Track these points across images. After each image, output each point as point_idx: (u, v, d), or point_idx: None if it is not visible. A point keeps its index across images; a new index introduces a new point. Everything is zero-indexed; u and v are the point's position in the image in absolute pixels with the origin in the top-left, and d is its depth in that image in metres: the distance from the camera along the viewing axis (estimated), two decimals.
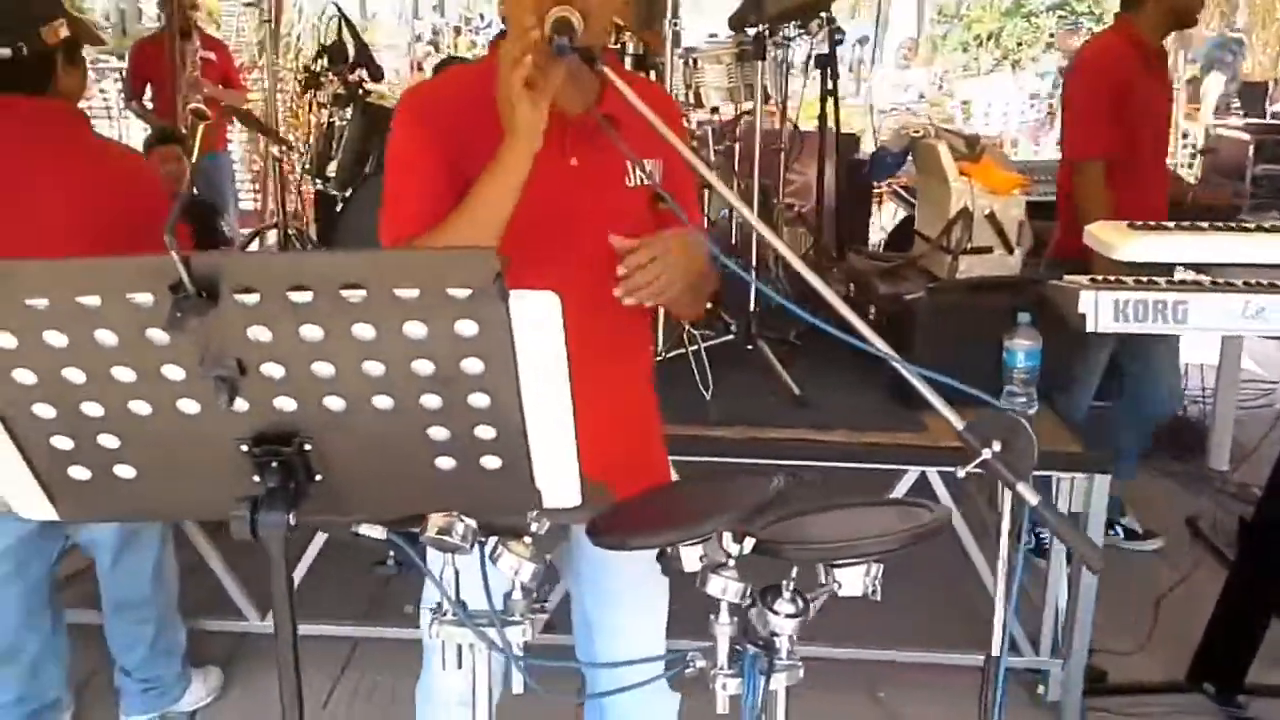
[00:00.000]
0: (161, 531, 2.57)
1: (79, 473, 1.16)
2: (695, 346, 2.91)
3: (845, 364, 3.33)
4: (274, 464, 1.11)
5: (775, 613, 1.41)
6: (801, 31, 3.43)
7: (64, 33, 2.08)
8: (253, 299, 1.00)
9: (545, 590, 1.45)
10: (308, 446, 1.12)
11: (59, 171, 2.08)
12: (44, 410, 1.09)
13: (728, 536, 1.39)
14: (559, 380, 1.08)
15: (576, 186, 1.68)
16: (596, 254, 1.63)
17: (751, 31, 2.95)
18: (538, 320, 1.02)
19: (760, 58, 3.03)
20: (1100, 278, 2.44)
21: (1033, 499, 1.25)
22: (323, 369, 1.06)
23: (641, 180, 1.74)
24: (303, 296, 1.00)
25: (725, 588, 1.39)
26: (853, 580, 1.43)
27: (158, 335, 1.03)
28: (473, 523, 1.31)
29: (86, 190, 2.07)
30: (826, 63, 3.55)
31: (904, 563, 3.44)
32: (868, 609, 3.23)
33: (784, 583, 1.41)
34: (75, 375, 1.06)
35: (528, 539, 1.35)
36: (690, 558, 1.44)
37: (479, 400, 1.09)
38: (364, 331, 1.03)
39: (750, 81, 3.04)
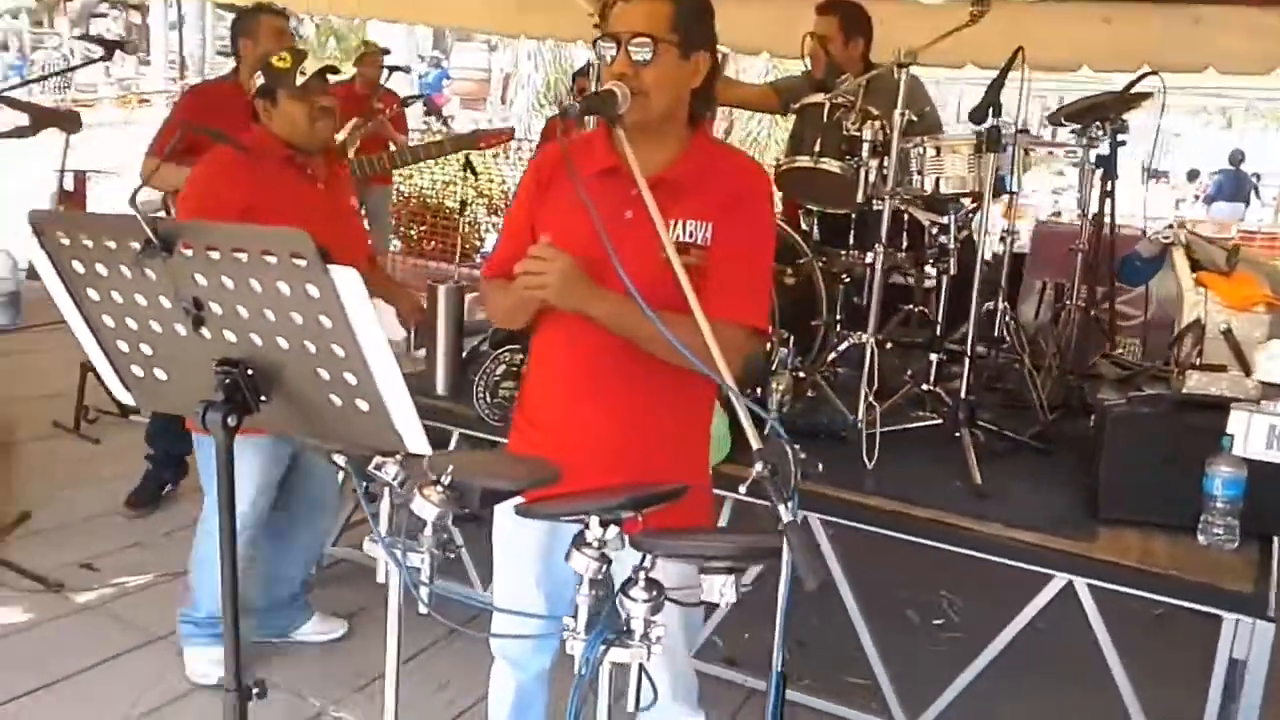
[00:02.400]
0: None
1: (137, 370, 1.69)
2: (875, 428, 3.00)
3: (1062, 470, 3.22)
4: (226, 380, 1.56)
5: (629, 598, 1.61)
6: (1079, 131, 3.36)
7: (257, 82, 2.86)
8: (190, 253, 1.46)
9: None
10: (250, 371, 1.56)
11: None
12: (108, 320, 1.64)
13: (594, 521, 1.63)
14: (382, 342, 1.42)
15: (627, 236, 1.93)
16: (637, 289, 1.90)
17: (987, 124, 3.02)
18: (352, 290, 1.39)
19: (995, 150, 3.07)
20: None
21: (786, 516, 1.37)
22: (243, 311, 1.50)
23: (677, 238, 1.98)
24: (215, 254, 1.45)
25: (586, 565, 1.62)
26: (711, 588, 1.59)
27: (151, 273, 1.52)
28: (396, 466, 1.68)
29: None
30: (1106, 164, 3.44)
31: (1051, 659, 3.31)
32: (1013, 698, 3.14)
33: (638, 573, 1.61)
34: (117, 296, 1.59)
35: (439, 488, 1.68)
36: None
37: (338, 350, 1.47)
38: (255, 285, 1.45)
39: (992, 172, 3.09)
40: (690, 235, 1.99)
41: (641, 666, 1.62)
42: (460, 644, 3.44)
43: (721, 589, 1.59)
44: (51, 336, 5.37)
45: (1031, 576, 2.74)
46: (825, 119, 3.29)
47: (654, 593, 1.61)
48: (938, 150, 3.22)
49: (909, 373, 3.44)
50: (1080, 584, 2.62)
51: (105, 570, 3.74)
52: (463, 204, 8.58)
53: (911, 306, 4.02)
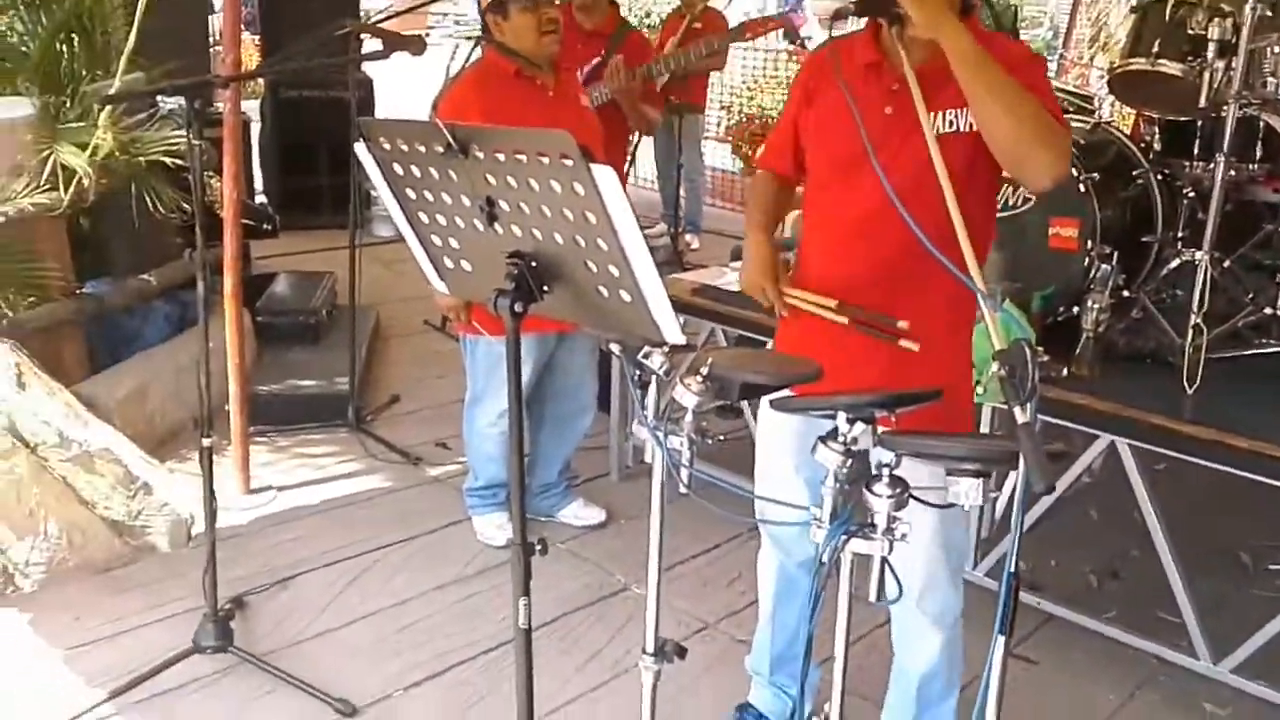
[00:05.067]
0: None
1: (449, 262, 1.92)
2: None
3: None
4: (515, 271, 1.75)
5: (872, 493, 1.66)
6: None
7: None
8: (481, 155, 1.65)
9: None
10: (534, 264, 1.73)
11: None
12: (424, 217, 1.87)
13: (842, 418, 1.68)
14: (639, 237, 1.54)
15: (886, 131, 1.99)
16: (897, 186, 1.88)
17: None
18: (612, 187, 1.51)
19: None
20: None
21: (1020, 417, 1.36)
22: (525, 208, 1.66)
23: (939, 130, 1.95)
24: (501, 156, 1.62)
25: (831, 460, 1.68)
26: (957, 491, 1.61)
27: (453, 174, 1.73)
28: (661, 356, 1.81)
29: None
30: None
31: None
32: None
33: (881, 469, 1.65)
34: (429, 195, 1.81)
35: (699, 378, 1.80)
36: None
37: (602, 244, 1.60)
38: (534, 184, 1.61)
39: None
40: (950, 125, 2.00)
41: (884, 560, 1.67)
42: (755, 541, 3.60)
43: (968, 492, 1.60)
44: None
45: None
46: (1168, 17, 3.02)
47: (898, 489, 1.64)
48: None
49: (1250, 295, 3.14)
50: None
51: (455, 449, 4.22)
52: None
53: (1275, 227, 3.63)
